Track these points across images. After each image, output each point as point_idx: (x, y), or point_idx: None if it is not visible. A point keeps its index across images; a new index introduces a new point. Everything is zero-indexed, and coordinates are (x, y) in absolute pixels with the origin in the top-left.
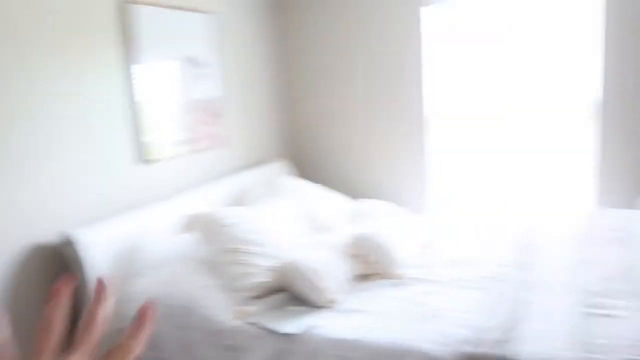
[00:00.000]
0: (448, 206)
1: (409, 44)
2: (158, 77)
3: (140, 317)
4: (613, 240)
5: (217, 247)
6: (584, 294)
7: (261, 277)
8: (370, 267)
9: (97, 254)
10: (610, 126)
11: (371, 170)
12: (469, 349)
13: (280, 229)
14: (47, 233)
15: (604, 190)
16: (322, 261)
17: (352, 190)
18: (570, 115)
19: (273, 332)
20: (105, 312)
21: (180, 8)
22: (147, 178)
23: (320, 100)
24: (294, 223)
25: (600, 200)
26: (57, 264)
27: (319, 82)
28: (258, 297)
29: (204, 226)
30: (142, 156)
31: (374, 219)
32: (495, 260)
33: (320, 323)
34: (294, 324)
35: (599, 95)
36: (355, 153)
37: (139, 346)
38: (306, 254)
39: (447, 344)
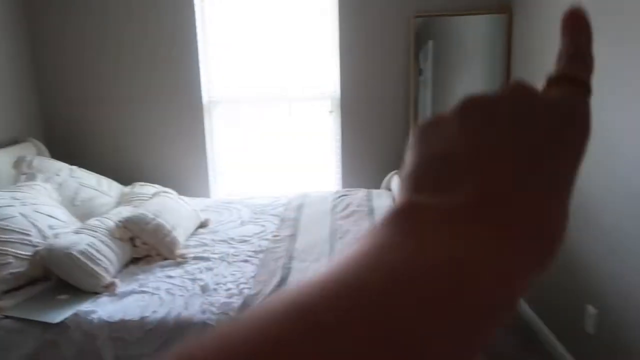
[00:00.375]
0: (227, 188)
1: (183, 32)
2: None
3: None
4: (359, 213)
5: None
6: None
7: (18, 267)
8: (145, 249)
9: None
10: (347, 118)
11: (150, 156)
12: (239, 315)
13: (39, 213)
14: None
15: (347, 172)
16: (95, 245)
17: (130, 175)
18: (320, 105)
19: (40, 324)
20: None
21: None
22: None
23: (86, 84)
24: (54, 207)
25: (344, 181)
26: None
27: (84, 65)
28: (16, 288)
29: None
30: None
31: (149, 202)
32: (264, 236)
33: (95, 308)
34: (66, 312)
35: (338, 91)
36: (131, 138)
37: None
38: (76, 239)
39: (222, 313)
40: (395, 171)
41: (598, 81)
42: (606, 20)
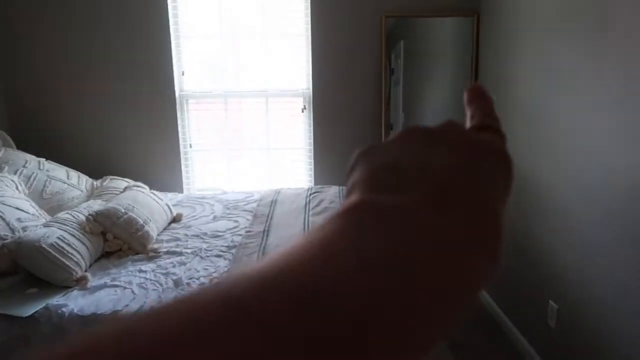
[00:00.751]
0: (200, 183)
1: (155, 24)
2: None
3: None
4: (332, 210)
5: None
6: None
7: None
8: (117, 243)
9: None
10: (319, 115)
11: (122, 150)
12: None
13: (6, 205)
14: None
15: (319, 169)
16: (66, 239)
17: (102, 169)
18: (292, 102)
19: (7, 318)
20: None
21: None
22: None
23: (55, 76)
24: (22, 199)
25: (317, 177)
26: None
27: (53, 57)
28: None
29: None
30: None
31: (121, 196)
32: (237, 231)
33: (66, 302)
34: (36, 306)
35: (310, 88)
36: (102, 131)
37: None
38: (45, 232)
39: None
40: None
41: (557, 87)
42: (561, 27)
